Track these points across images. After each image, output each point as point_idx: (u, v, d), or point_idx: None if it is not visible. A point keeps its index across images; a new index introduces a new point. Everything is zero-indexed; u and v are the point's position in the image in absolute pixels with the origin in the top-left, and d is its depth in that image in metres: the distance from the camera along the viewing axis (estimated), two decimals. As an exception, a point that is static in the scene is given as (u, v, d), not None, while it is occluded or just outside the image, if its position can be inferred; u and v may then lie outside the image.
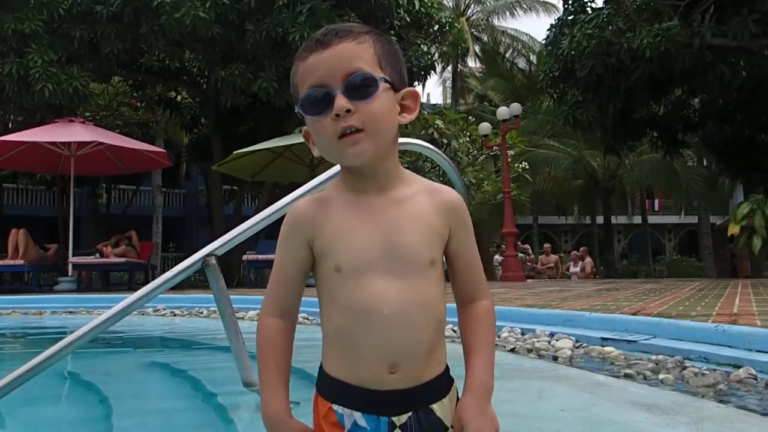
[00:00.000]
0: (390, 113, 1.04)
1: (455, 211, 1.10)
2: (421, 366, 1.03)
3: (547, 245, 20.19)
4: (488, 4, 31.88)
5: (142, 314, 6.17)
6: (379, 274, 1.02)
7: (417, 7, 14.06)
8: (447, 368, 1.09)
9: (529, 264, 18.77)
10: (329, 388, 1.05)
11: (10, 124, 16.07)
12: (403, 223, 1.05)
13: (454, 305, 1.14)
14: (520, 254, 18.83)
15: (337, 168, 2.38)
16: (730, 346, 2.66)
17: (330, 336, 1.06)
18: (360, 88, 1.01)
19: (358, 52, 1.03)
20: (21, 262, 11.45)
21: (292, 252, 1.08)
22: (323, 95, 1.01)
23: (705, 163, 27.68)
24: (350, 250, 1.03)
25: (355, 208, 1.06)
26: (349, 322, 1.02)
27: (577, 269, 17.62)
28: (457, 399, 1.06)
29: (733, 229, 13.39)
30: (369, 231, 1.04)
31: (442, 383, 1.07)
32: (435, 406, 1.04)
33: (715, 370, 2.40)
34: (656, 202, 34.98)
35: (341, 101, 1.00)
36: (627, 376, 2.43)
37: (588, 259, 18.06)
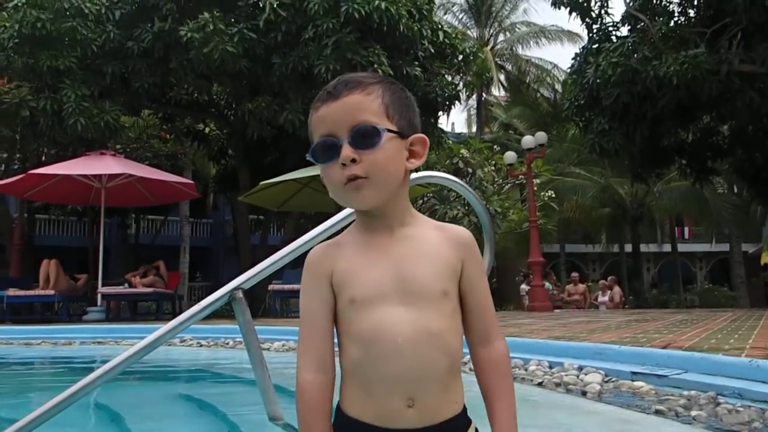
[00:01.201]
0: (395, 161, 1.09)
1: (466, 246, 1.13)
2: (437, 401, 1.04)
3: (574, 274, 19.93)
4: (513, 33, 32.10)
5: (169, 345, 6.21)
6: (391, 305, 1.05)
7: (441, 38, 14.19)
8: (465, 409, 1.10)
9: (555, 293, 18.53)
10: (345, 427, 1.06)
11: (43, 157, 16.44)
12: (414, 257, 1.09)
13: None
14: (547, 284, 18.65)
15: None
16: (764, 382, 2.58)
17: (347, 371, 1.08)
18: (364, 138, 1.06)
19: (364, 104, 1.08)
20: (52, 292, 11.62)
21: (316, 295, 1.12)
22: (331, 145, 1.08)
23: (736, 190, 27.22)
24: (363, 283, 1.07)
25: (366, 246, 1.11)
26: (363, 354, 1.05)
27: (606, 299, 17.35)
28: None
29: (766, 258, 13.10)
30: (381, 265, 1.08)
31: (459, 423, 1.07)
32: None
33: (749, 406, 2.33)
34: (686, 229, 34.44)
35: (347, 151, 1.06)
36: (658, 413, 2.38)
37: (616, 289, 17.78)
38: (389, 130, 1.08)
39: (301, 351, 1.12)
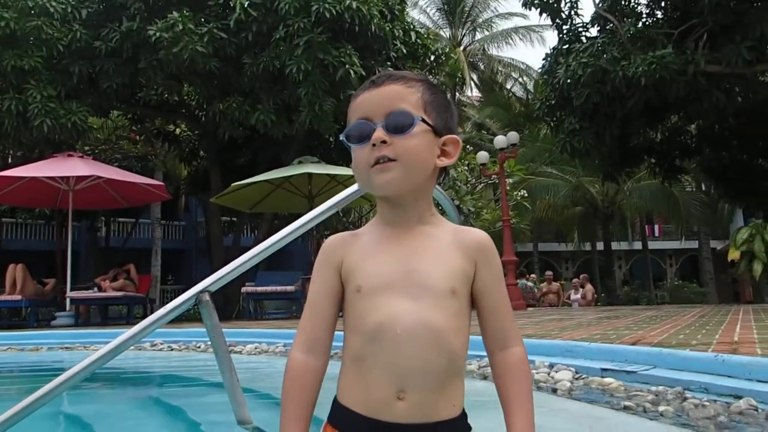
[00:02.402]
0: (425, 152, 1.11)
1: (480, 249, 1.13)
2: (430, 399, 1.03)
3: (549, 273, 20.11)
4: (484, 33, 32.28)
5: (139, 349, 6.12)
6: (396, 296, 1.06)
7: (413, 39, 14.22)
8: (464, 414, 1.09)
9: (536, 291, 18.68)
10: (338, 417, 1.07)
11: (9, 159, 16.13)
12: (425, 252, 1.10)
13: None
14: (529, 283, 18.81)
15: (343, 194, 2.38)
16: (730, 376, 2.62)
17: (347, 360, 1.09)
18: (399, 123, 1.09)
19: (404, 95, 1.12)
20: (19, 297, 11.40)
21: (323, 280, 1.14)
22: (365, 127, 1.11)
23: (704, 188, 27.73)
24: (370, 272, 1.09)
25: (381, 237, 1.13)
26: (364, 342, 1.06)
27: (578, 296, 17.54)
28: None
29: (734, 255, 13.35)
30: (390, 256, 1.10)
31: (458, 427, 1.07)
32: None
33: (715, 401, 2.36)
34: (656, 227, 34.96)
35: (379, 132, 1.08)
36: (626, 408, 2.40)
37: (588, 287, 17.98)
38: (424, 121, 1.11)
39: (298, 329, 1.15)
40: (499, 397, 1.11)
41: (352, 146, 1.13)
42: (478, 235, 1.15)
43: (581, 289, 17.74)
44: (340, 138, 1.15)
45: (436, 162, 1.13)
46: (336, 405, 1.09)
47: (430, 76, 15.42)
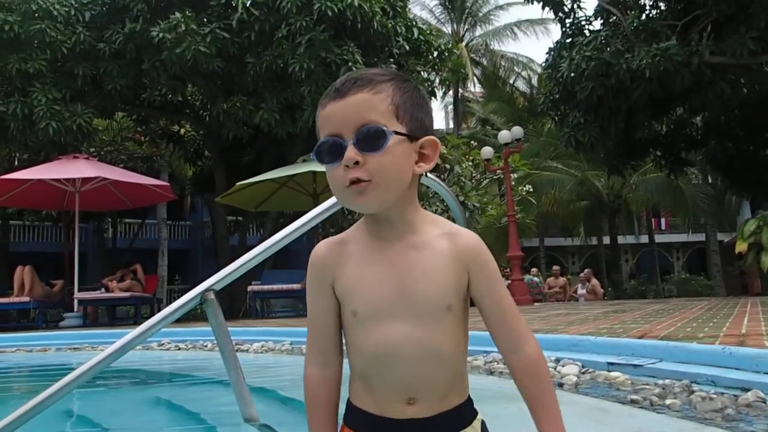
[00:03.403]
0: (401, 165, 1.04)
1: (473, 255, 1.09)
2: (439, 398, 1.05)
3: (556, 267, 20.05)
4: (487, 27, 32.18)
5: (147, 348, 6.15)
6: (393, 320, 1.04)
7: (416, 35, 14.18)
8: (469, 399, 1.10)
9: (542, 287, 18.62)
10: (354, 417, 1.08)
11: (15, 162, 16.19)
12: (419, 270, 1.06)
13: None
14: (535, 278, 18.77)
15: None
16: (737, 369, 2.61)
17: (354, 374, 1.10)
18: (370, 140, 1.02)
19: (372, 103, 1.04)
20: (27, 299, 11.45)
21: (319, 296, 1.12)
22: (336, 145, 1.03)
23: (710, 181, 27.60)
24: (366, 297, 1.06)
25: (371, 253, 1.08)
26: (366, 366, 1.06)
27: (585, 291, 17.50)
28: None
29: (741, 247, 13.25)
30: (384, 277, 1.06)
31: (464, 413, 1.08)
32: None
33: (723, 394, 2.35)
34: (663, 220, 34.82)
35: (351, 152, 1.01)
36: (633, 402, 2.39)
37: (594, 281, 17.91)
38: (397, 133, 1.03)
39: (308, 343, 1.15)
40: (522, 397, 1.10)
41: (324, 165, 1.07)
42: (469, 241, 1.10)
43: (588, 284, 17.69)
44: (311, 156, 1.10)
45: (414, 169, 1.07)
46: (350, 406, 1.10)
47: (433, 73, 15.43)
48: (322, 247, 1.13)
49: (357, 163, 1.01)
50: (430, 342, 1.04)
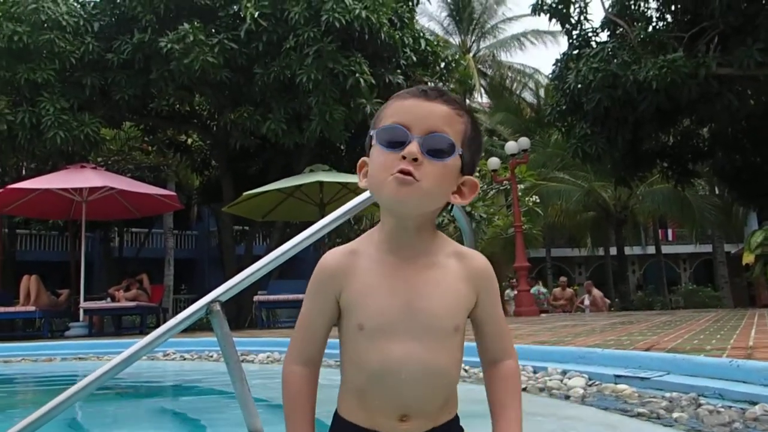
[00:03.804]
0: (447, 184, 1.07)
1: (483, 278, 1.12)
2: (432, 417, 1.06)
3: (563, 278, 19.98)
4: (494, 38, 32.26)
5: (152, 359, 6.14)
6: (400, 338, 1.04)
7: (423, 46, 14.23)
8: (457, 417, 1.12)
9: (549, 298, 18.55)
10: (342, 430, 1.08)
11: (23, 171, 16.27)
12: (429, 289, 1.07)
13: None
14: (542, 289, 18.73)
15: (354, 202, 2.38)
16: (745, 382, 2.59)
17: (346, 389, 1.09)
18: (438, 147, 1.04)
19: (452, 120, 1.07)
20: (33, 308, 11.46)
21: (320, 304, 1.12)
22: (401, 134, 1.04)
23: (717, 192, 27.51)
24: (374, 311, 1.06)
25: (383, 267, 1.08)
26: (366, 380, 1.05)
27: (589, 302, 17.42)
28: None
29: (748, 258, 13.18)
30: (394, 293, 1.06)
31: (453, 430, 1.10)
32: None
33: (730, 407, 2.33)
34: (670, 231, 34.69)
35: (414, 147, 1.03)
36: (640, 415, 2.37)
37: (596, 292, 17.78)
38: (461, 155, 1.07)
39: (293, 342, 1.15)
40: (489, 402, 1.12)
41: (378, 147, 1.07)
42: (480, 262, 1.13)
43: (589, 295, 17.62)
44: (369, 133, 1.10)
45: (450, 197, 1.10)
46: (338, 419, 1.10)
47: (441, 83, 15.46)
48: (331, 256, 1.13)
49: (415, 160, 1.03)
50: (434, 362, 1.04)
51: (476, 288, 1.10)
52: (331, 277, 1.10)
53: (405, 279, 1.07)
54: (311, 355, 1.13)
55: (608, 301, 17.98)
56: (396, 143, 1.04)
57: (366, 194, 2.12)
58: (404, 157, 1.02)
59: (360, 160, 1.14)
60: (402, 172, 1.02)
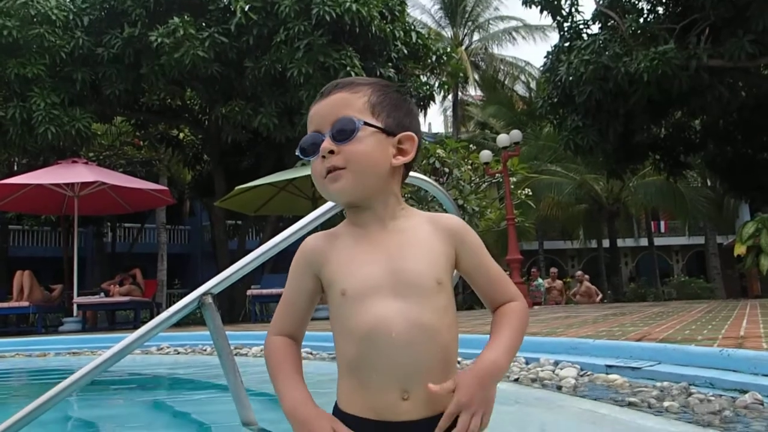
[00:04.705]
0: (375, 155, 1.11)
1: (456, 232, 1.15)
2: (431, 394, 1.04)
3: (553, 270, 20.06)
4: (486, 32, 32.24)
5: (146, 353, 6.14)
6: (383, 298, 1.06)
7: (414, 39, 14.21)
8: None
9: (547, 288, 18.61)
10: (344, 424, 1.06)
11: (14, 167, 16.19)
12: (405, 249, 1.10)
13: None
14: (540, 281, 18.79)
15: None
16: (735, 371, 2.61)
17: (343, 368, 1.10)
18: (342, 130, 1.10)
19: (349, 101, 1.13)
20: (26, 303, 11.44)
21: (299, 282, 1.16)
22: (314, 139, 1.12)
23: (709, 184, 27.63)
24: (355, 276, 1.09)
25: (358, 239, 1.13)
26: (358, 348, 1.06)
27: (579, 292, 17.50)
28: None
29: (740, 249, 13.25)
30: (372, 257, 1.10)
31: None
32: None
33: (720, 396, 2.35)
34: (662, 223, 34.84)
35: (326, 143, 1.10)
36: (631, 405, 2.39)
37: (586, 284, 17.86)
38: (367, 123, 1.10)
39: (275, 318, 1.19)
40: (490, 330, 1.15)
41: (306, 159, 1.16)
42: (452, 219, 1.18)
43: (580, 285, 17.71)
44: (296, 153, 1.17)
45: (391, 161, 1.13)
46: (339, 413, 1.09)
47: (432, 76, 15.44)
48: (311, 238, 1.18)
49: (332, 152, 1.09)
50: (421, 318, 1.05)
51: (452, 243, 1.14)
52: (312, 255, 1.15)
53: (381, 244, 1.11)
54: (292, 330, 1.17)
55: (598, 294, 17.98)
56: (314, 148, 1.12)
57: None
58: (324, 157, 1.10)
59: None
60: (329, 170, 1.10)
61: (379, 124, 1.11)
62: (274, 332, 1.18)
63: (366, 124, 1.10)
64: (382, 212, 1.13)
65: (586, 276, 18.41)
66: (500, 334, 1.11)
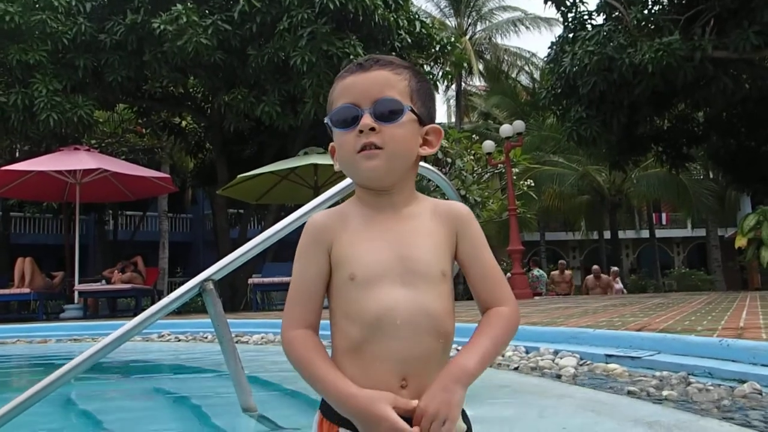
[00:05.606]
0: (411, 141, 1.12)
1: (459, 220, 1.15)
2: (430, 382, 1.02)
3: (562, 262, 20.02)
4: (491, 22, 32.11)
5: (147, 340, 6.17)
6: (391, 284, 1.05)
7: (418, 28, 14.15)
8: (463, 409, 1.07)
9: (548, 282, 18.60)
10: (336, 411, 1.03)
11: (16, 153, 16.19)
12: (415, 238, 1.10)
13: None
14: (540, 271, 18.82)
15: (340, 186, 2.38)
16: (734, 361, 2.62)
17: (342, 351, 1.07)
18: (387, 111, 1.09)
19: (392, 81, 1.12)
20: (27, 290, 11.47)
21: (313, 263, 1.11)
22: (352, 112, 1.10)
23: (711, 176, 27.57)
24: (364, 260, 1.07)
25: (370, 222, 1.12)
26: (362, 334, 1.04)
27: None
28: None
29: (740, 242, 13.22)
30: (383, 243, 1.09)
31: None
32: None
33: (719, 385, 2.36)
34: (664, 215, 34.82)
35: (367, 119, 1.08)
36: (631, 393, 2.40)
37: (567, 272, 17.95)
38: (412, 110, 1.11)
39: (289, 310, 1.11)
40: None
41: (336, 131, 1.12)
42: (456, 205, 1.17)
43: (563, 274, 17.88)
44: (324, 121, 1.14)
45: (418, 151, 1.14)
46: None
47: (436, 66, 15.40)
48: (320, 215, 1.15)
49: (372, 129, 1.08)
50: (427, 306, 1.05)
51: (454, 228, 1.13)
52: (322, 232, 1.12)
53: (391, 230, 1.10)
54: (311, 319, 1.10)
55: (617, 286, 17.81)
56: (349, 121, 1.10)
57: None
58: (361, 131, 1.08)
59: (330, 146, 1.18)
60: (365, 146, 1.07)
61: (417, 112, 1.12)
62: (291, 327, 1.09)
63: (411, 110, 1.11)
64: (398, 198, 1.13)
65: (613, 269, 18.44)
66: (479, 339, 1.07)
